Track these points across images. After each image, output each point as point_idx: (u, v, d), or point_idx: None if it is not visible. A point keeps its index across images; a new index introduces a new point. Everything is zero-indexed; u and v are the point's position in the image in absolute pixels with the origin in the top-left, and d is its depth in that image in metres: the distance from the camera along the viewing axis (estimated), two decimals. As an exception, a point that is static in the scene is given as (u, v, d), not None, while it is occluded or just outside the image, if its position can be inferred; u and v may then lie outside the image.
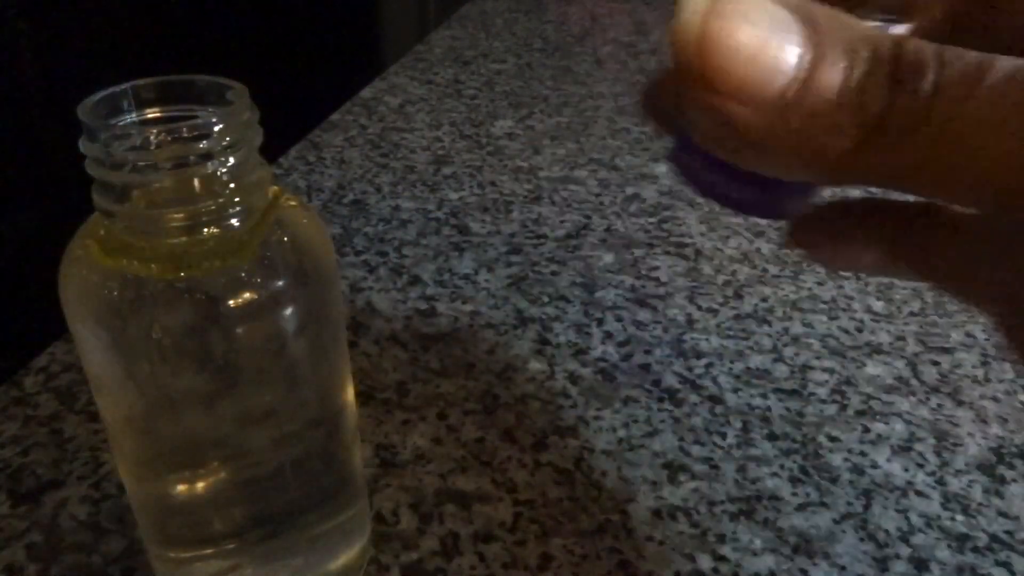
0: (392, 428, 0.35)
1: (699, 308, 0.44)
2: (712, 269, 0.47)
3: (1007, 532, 0.31)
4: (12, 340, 0.41)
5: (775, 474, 0.33)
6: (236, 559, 0.26)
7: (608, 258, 0.48)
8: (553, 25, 0.91)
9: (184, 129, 0.21)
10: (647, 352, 0.40)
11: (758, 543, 0.30)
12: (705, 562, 0.30)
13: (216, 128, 0.20)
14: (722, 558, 0.30)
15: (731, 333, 0.42)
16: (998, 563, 0.30)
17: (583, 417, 0.36)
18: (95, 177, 0.20)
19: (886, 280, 0.46)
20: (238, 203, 0.21)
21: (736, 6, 0.15)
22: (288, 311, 0.22)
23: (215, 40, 0.65)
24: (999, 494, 0.33)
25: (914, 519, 0.32)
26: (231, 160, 0.20)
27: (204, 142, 0.20)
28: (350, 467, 0.27)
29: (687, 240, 0.50)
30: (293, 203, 0.23)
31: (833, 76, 0.15)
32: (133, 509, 0.26)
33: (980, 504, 0.32)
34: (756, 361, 0.40)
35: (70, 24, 0.53)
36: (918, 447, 0.35)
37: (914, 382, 0.39)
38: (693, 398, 0.37)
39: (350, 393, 0.26)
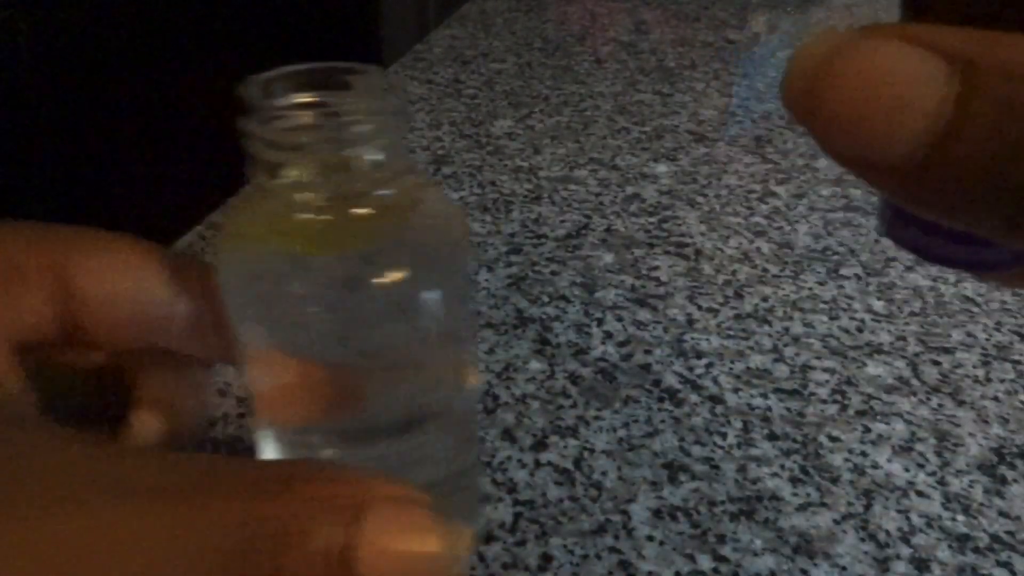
0: (392, 428, 0.35)
1: (699, 308, 0.44)
2: (712, 269, 0.47)
3: (1008, 532, 0.31)
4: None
5: (775, 474, 0.33)
6: None
7: (608, 258, 0.48)
8: (553, 25, 0.91)
9: (339, 112, 0.22)
10: (647, 352, 0.40)
11: (758, 543, 0.30)
12: (705, 562, 0.30)
13: (371, 113, 0.21)
14: (722, 558, 0.30)
15: (731, 333, 0.42)
16: (999, 563, 0.30)
17: (583, 417, 0.36)
18: (252, 154, 0.21)
19: (886, 280, 0.46)
20: (386, 185, 0.22)
21: (856, 53, 0.12)
22: (430, 293, 0.23)
23: (215, 39, 0.65)
24: (1000, 494, 0.33)
25: (915, 519, 0.32)
26: (383, 143, 0.21)
27: (359, 126, 0.21)
28: (469, 449, 0.27)
29: (687, 240, 0.50)
30: (432, 187, 0.24)
31: (980, 140, 0.11)
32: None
33: (981, 504, 0.32)
34: (756, 361, 0.40)
35: (70, 24, 0.53)
36: (919, 447, 0.35)
37: (915, 382, 0.39)
38: (693, 398, 0.37)
39: (474, 378, 0.27)
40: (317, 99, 0.23)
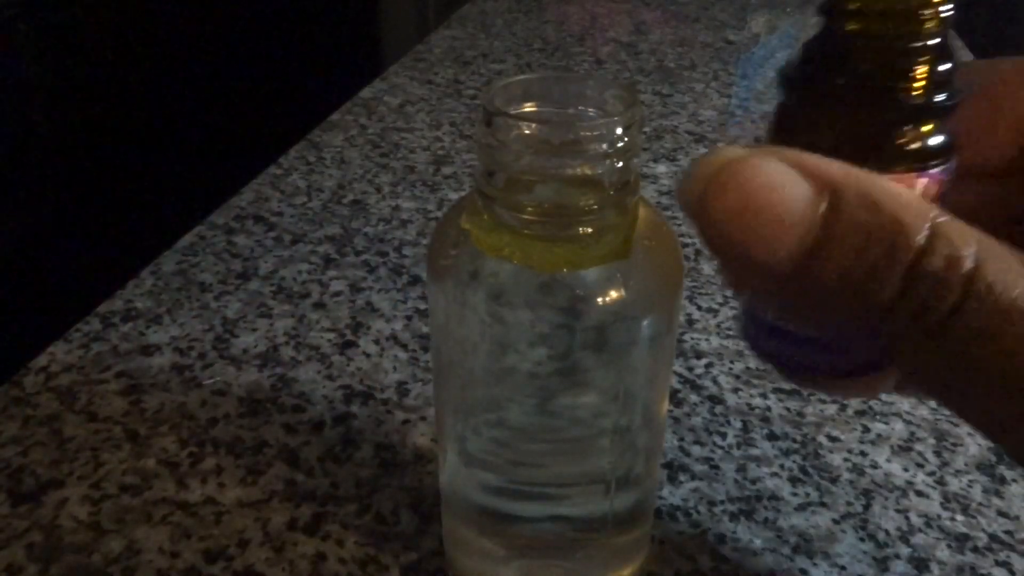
0: (392, 428, 0.35)
1: (699, 308, 0.44)
2: (712, 269, 0.47)
3: (1007, 532, 0.31)
4: (12, 340, 0.41)
5: (775, 474, 0.33)
6: (517, 551, 0.26)
7: (608, 258, 0.48)
8: (553, 25, 0.91)
9: (583, 128, 0.21)
10: (647, 352, 0.40)
11: (758, 543, 0.30)
12: (705, 562, 0.30)
13: (616, 132, 0.20)
14: (722, 558, 0.30)
15: (731, 333, 0.42)
16: (998, 563, 0.30)
17: (583, 417, 0.36)
18: (484, 163, 0.21)
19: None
20: (615, 206, 0.21)
21: (741, 168, 0.14)
22: (648, 319, 0.22)
23: (216, 40, 0.65)
24: (999, 494, 0.33)
25: (914, 519, 0.32)
26: (621, 164, 0.21)
27: (602, 144, 0.20)
28: (652, 483, 0.26)
29: (687, 240, 0.50)
30: (650, 210, 0.23)
31: (838, 259, 0.13)
32: (444, 484, 0.26)
33: (980, 504, 0.32)
34: (756, 361, 0.40)
35: (70, 24, 0.53)
36: (918, 447, 0.35)
37: (914, 382, 0.39)
38: (693, 398, 0.37)
39: (665, 409, 0.26)
40: (553, 110, 0.22)
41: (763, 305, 0.19)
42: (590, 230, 0.21)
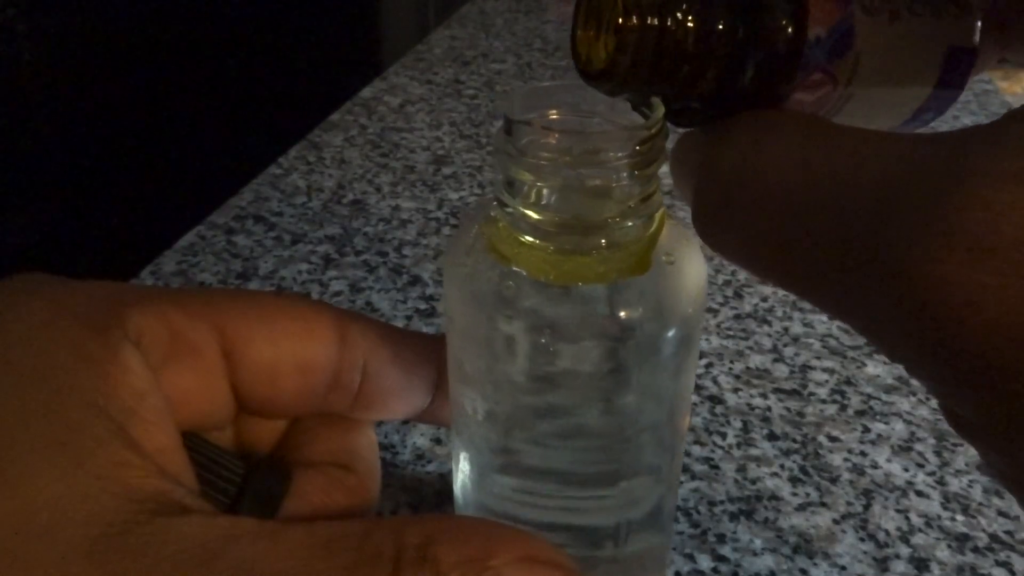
0: (392, 428, 0.35)
1: (699, 308, 0.44)
2: (712, 269, 0.47)
3: (1007, 532, 0.31)
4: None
5: (775, 474, 0.33)
6: None
7: (608, 258, 0.48)
8: (553, 25, 0.91)
9: (604, 138, 0.20)
10: (647, 352, 0.40)
11: (758, 543, 0.30)
12: (705, 562, 0.30)
13: (639, 142, 0.20)
14: (722, 558, 0.30)
15: (731, 333, 0.42)
16: (998, 563, 0.30)
17: (583, 417, 0.36)
18: (503, 172, 0.20)
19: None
20: (636, 218, 0.21)
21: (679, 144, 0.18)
22: (670, 332, 0.22)
23: (216, 40, 0.65)
24: (999, 494, 0.33)
25: (914, 519, 0.32)
26: (643, 176, 0.20)
27: (623, 155, 0.19)
28: (672, 496, 0.26)
29: (687, 240, 0.50)
30: (674, 223, 0.23)
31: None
32: (461, 496, 0.26)
33: (980, 504, 0.32)
34: (756, 361, 0.40)
35: (70, 24, 0.53)
36: (918, 447, 0.35)
37: (914, 382, 0.39)
38: (693, 398, 0.37)
39: (687, 421, 0.25)
40: (574, 118, 0.21)
41: None
42: (606, 241, 0.21)
